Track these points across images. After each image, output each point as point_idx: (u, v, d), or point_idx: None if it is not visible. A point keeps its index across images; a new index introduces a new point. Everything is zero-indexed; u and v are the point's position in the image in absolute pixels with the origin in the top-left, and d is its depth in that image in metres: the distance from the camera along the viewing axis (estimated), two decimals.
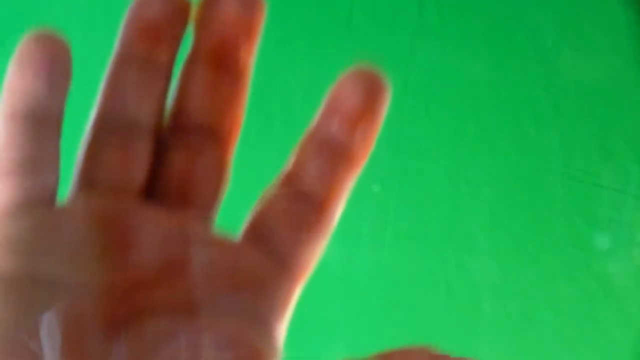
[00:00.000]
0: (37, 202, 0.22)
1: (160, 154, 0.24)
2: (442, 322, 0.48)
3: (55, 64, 0.22)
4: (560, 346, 0.47)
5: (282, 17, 0.48)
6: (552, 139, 0.47)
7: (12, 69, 0.22)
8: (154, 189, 0.24)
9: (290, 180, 0.23)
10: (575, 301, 0.47)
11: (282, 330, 0.23)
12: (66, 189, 0.23)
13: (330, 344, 0.49)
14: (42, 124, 0.22)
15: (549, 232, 0.47)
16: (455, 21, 0.48)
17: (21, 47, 0.22)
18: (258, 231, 0.23)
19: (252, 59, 0.23)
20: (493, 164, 0.48)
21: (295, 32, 0.49)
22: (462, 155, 0.48)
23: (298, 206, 0.23)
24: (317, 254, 0.24)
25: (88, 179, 0.23)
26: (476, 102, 0.48)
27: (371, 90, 0.22)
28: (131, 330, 0.21)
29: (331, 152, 0.23)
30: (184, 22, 0.23)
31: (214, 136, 0.24)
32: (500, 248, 0.47)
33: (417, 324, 0.49)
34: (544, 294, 0.47)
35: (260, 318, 0.22)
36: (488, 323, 0.47)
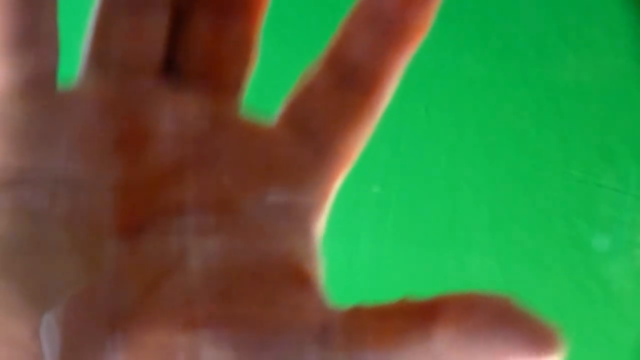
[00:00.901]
0: (36, 84, 0.19)
1: (179, 28, 0.21)
2: None
3: None
4: None
5: (282, 19, 0.48)
6: (552, 139, 0.47)
7: None
8: (173, 68, 0.21)
9: (334, 58, 0.20)
10: (575, 301, 0.47)
11: (319, 229, 0.20)
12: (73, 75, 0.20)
13: None
14: None
15: (549, 232, 0.47)
16: (455, 21, 0.48)
17: None
18: (295, 115, 0.20)
19: None
20: (493, 164, 0.48)
21: (295, 33, 0.49)
22: (462, 155, 0.48)
23: (342, 87, 0.20)
24: (361, 142, 0.21)
25: (98, 59, 0.20)
26: (476, 102, 0.48)
27: None
28: (152, 232, 0.18)
29: (383, 27, 0.20)
30: None
31: (240, 5, 0.21)
32: (500, 248, 0.47)
33: None
34: (544, 293, 0.47)
35: (296, 215, 0.20)
36: None
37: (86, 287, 0.17)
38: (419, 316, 0.17)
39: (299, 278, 0.19)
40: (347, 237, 0.47)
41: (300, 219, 0.20)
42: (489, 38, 0.47)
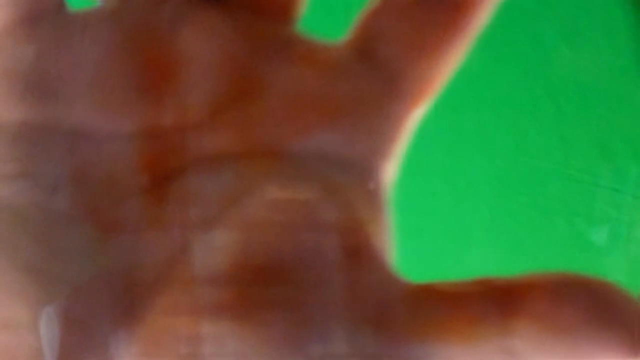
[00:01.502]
0: (39, 14, 0.15)
1: None
2: None
3: None
4: None
5: None
6: (552, 139, 0.47)
7: None
8: None
9: None
10: None
11: (386, 181, 0.17)
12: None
13: None
14: None
15: (549, 231, 0.47)
16: None
17: None
18: (365, 37, 0.17)
19: None
20: (493, 164, 0.48)
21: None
22: (462, 155, 0.48)
23: (424, 3, 0.16)
24: (443, 74, 0.17)
25: None
26: (476, 102, 0.48)
27: None
28: (180, 191, 0.15)
29: None
30: None
31: None
32: (499, 248, 0.47)
33: None
34: None
35: (358, 164, 0.16)
36: None
37: (93, 275, 0.15)
38: (499, 304, 0.14)
39: (356, 247, 0.15)
40: None
41: (363, 169, 0.16)
42: (489, 37, 0.48)
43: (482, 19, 0.17)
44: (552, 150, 0.47)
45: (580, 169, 0.46)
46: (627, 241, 0.46)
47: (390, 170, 0.17)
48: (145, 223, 0.15)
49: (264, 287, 0.14)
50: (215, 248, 0.15)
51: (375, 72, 0.16)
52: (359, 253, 0.15)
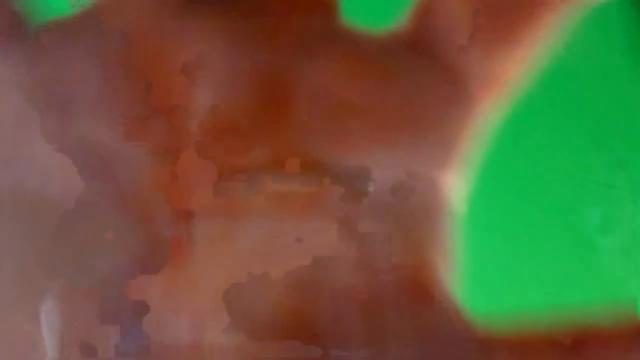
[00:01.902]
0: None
1: None
2: None
3: None
4: None
5: None
6: (546, 134, 0.47)
7: None
8: None
9: None
10: (571, 297, 0.47)
11: (451, 187, 0.13)
12: None
13: None
14: None
15: (544, 228, 0.47)
16: None
17: None
18: (423, 28, 0.14)
19: None
20: (490, 161, 0.48)
21: None
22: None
23: None
24: (514, 70, 0.13)
25: None
26: None
27: None
28: (204, 222, 0.12)
29: None
30: None
31: None
32: (497, 247, 0.47)
33: None
34: (541, 291, 0.47)
35: (416, 178, 0.13)
36: None
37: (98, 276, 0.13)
38: (566, 355, 0.13)
39: (416, 286, 0.13)
40: None
41: (421, 183, 0.13)
42: None
43: (560, 17, 0.14)
44: (546, 146, 0.47)
45: (575, 165, 0.47)
46: (625, 239, 0.46)
47: (456, 182, 0.13)
48: (170, 251, 0.13)
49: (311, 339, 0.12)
50: (253, 301, 0.12)
51: (434, 70, 0.14)
52: (421, 289, 0.13)
